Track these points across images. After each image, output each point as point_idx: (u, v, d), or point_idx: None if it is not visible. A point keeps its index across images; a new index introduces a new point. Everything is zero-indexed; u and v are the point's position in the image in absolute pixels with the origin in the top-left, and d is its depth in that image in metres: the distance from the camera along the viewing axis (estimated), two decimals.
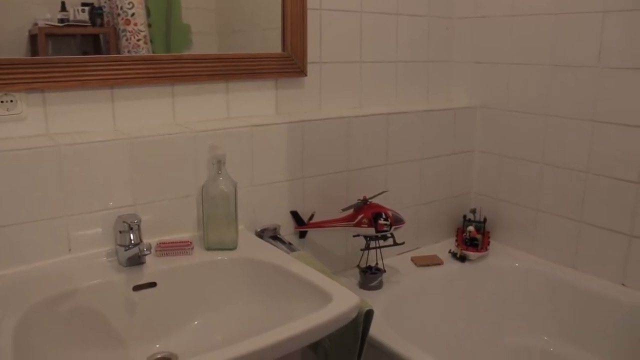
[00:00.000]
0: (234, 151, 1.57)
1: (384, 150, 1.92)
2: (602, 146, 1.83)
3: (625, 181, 1.79)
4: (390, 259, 1.99)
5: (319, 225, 1.74)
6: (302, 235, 1.76)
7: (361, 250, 1.82)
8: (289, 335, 1.07)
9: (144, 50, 1.47)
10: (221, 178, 1.46)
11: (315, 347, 1.49)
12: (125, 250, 1.33)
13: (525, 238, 2.10)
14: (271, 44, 1.69)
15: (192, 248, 1.45)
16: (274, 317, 1.24)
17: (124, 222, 1.33)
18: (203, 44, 1.58)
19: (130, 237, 1.33)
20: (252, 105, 1.69)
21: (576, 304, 1.90)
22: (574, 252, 1.95)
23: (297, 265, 1.36)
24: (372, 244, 1.79)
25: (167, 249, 1.42)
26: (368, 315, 1.35)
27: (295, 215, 1.72)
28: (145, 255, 1.33)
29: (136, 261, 1.35)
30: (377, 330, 1.53)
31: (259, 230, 1.65)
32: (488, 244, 2.11)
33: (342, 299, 1.19)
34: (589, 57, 1.83)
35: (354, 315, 1.18)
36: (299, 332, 1.09)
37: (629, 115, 1.75)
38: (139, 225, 1.34)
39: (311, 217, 1.75)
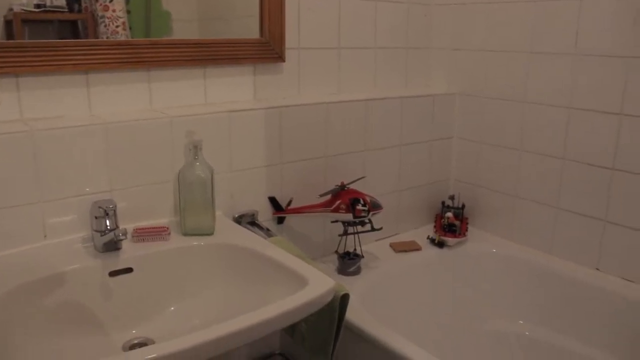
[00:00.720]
0: (212, 137, 1.57)
1: (363, 137, 1.93)
2: (578, 133, 1.85)
3: (601, 167, 1.81)
4: (369, 245, 2.00)
5: (297, 211, 1.74)
6: (280, 221, 1.76)
7: (339, 236, 1.82)
8: (264, 318, 1.08)
9: (122, 37, 1.46)
10: (198, 164, 1.46)
11: (292, 331, 1.50)
12: (101, 235, 1.33)
13: (503, 224, 2.12)
14: (251, 30, 1.69)
15: (169, 234, 1.44)
16: (250, 302, 1.24)
17: (99, 207, 1.33)
18: (183, 31, 1.57)
19: (106, 223, 1.32)
20: (230, 91, 1.68)
21: (551, 289, 1.92)
22: (551, 237, 1.98)
23: (273, 249, 1.37)
24: (350, 229, 1.80)
25: (144, 234, 1.41)
26: (344, 299, 1.36)
27: (273, 201, 1.73)
28: (121, 240, 1.33)
29: (112, 247, 1.35)
30: (354, 315, 1.54)
31: (236, 216, 1.65)
32: (466, 230, 2.13)
33: (318, 283, 1.19)
34: (566, 44, 1.84)
35: (329, 299, 1.19)
36: (274, 315, 1.09)
37: (604, 102, 1.77)
38: (114, 211, 1.33)
39: (289, 203, 1.75)
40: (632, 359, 1.74)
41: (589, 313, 1.83)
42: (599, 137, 1.80)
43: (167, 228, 1.45)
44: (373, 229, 1.80)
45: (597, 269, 1.87)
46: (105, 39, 1.43)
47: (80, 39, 1.40)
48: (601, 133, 1.79)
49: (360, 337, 1.52)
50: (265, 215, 1.73)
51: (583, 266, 1.90)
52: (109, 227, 1.32)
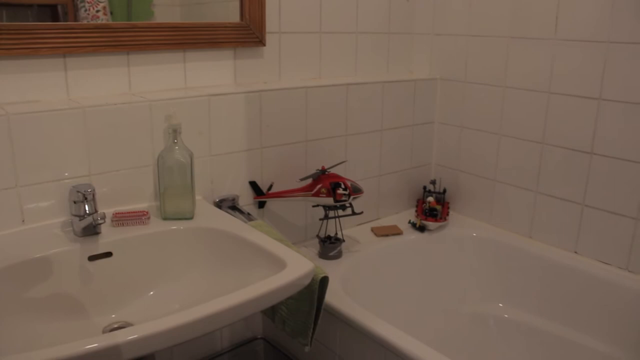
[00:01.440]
0: (191, 121, 1.56)
1: (344, 121, 1.93)
2: (557, 117, 1.86)
3: (579, 151, 1.83)
4: (351, 230, 2.01)
5: (278, 195, 1.74)
6: (261, 205, 1.76)
7: (320, 220, 1.83)
8: (241, 300, 1.08)
9: (103, 22, 1.45)
10: (177, 148, 1.45)
11: (272, 315, 1.51)
12: (80, 220, 1.32)
13: (483, 208, 2.14)
14: (232, 14, 1.68)
15: (149, 218, 1.44)
16: (230, 285, 1.24)
17: (77, 191, 1.32)
18: (165, 15, 1.57)
19: (84, 207, 1.32)
20: (210, 75, 1.68)
21: (530, 272, 1.94)
22: (530, 221, 2.00)
23: (252, 233, 1.37)
24: (331, 213, 1.80)
25: (123, 218, 1.41)
26: (323, 282, 1.36)
27: (254, 185, 1.73)
28: (100, 224, 1.32)
29: (91, 231, 1.34)
30: (335, 298, 1.55)
31: (217, 200, 1.65)
32: (447, 215, 2.14)
33: (296, 266, 1.20)
34: (546, 30, 1.85)
35: (307, 281, 1.20)
36: (252, 297, 1.10)
37: (583, 87, 1.78)
38: (93, 195, 1.33)
39: (270, 188, 1.76)
40: (610, 337, 1.77)
41: (566, 295, 1.86)
42: (578, 122, 1.81)
43: (147, 212, 1.45)
44: (354, 213, 1.80)
45: (575, 252, 1.89)
46: (82, 23, 1.42)
47: None
48: (580, 118, 1.81)
49: (341, 321, 1.54)
50: (246, 199, 1.73)
51: (561, 249, 1.92)
52: (87, 212, 1.32)
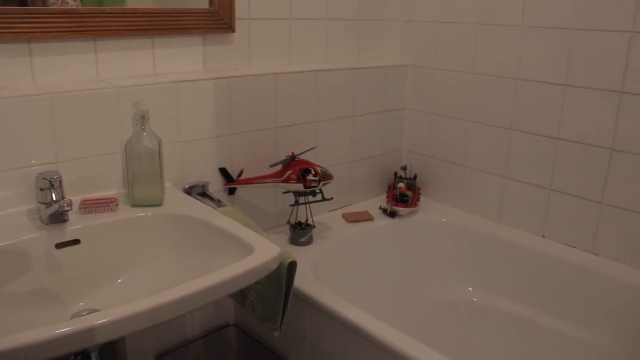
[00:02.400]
0: (160, 107, 1.56)
1: (314, 107, 1.93)
2: (525, 104, 1.89)
3: (546, 137, 1.85)
4: (322, 216, 2.02)
5: (248, 181, 1.75)
6: (232, 192, 1.76)
7: (290, 206, 1.84)
8: (207, 285, 1.09)
9: (71, 7, 1.43)
10: (145, 134, 1.45)
11: (242, 300, 1.52)
12: (47, 207, 1.31)
13: (453, 194, 2.16)
14: (202, 0, 1.67)
15: (117, 205, 1.44)
16: (198, 271, 1.24)
17: (44, 178, 1.31)
18: (137, 2, 1.55)
19: (51, 194, 1.31)
20: (179, 61, 1.67)
21: (499, 256, 1.98)
22: (499, 206, 2.02)
23: (221, 219, 1.38)
24: (301, 199, 1.81)
25: (91, 205, 1.41)
26: (291, 267, 1.37)
27: (223, 172, 1.73)
28: (67, 211, 1.32)
29: (58, 218, 1.34)
30: (305, 284, 1.57)
31: (187, 187, 1.65)
32: (418, 200, 2.16)
33: (264, 250, 1.21)
34: (513, 16, 1.87)
35: (274, 265, 1.20)
36: (219, 281, 1.11)
37: (550, 73, 1.81)
38: (60, 182, 1.32)
39: (240, 174, 1.76)
40: (579, 319, 1.80)
41: (535, 278, 1.89)
42: (544, 108, 1.84)
43: (115, 199, 1.44)
44: (324, 199, 1.81)
45: (543, 236, 1.93)
46: (47, 7, 1.40)
47: None
48: (547, 104, 1.83)
49: (311, 306, 1.55)
50: (216, 186, 1.74)
51: (529, 233, 1.95)
52: (54, 199, 1.31)
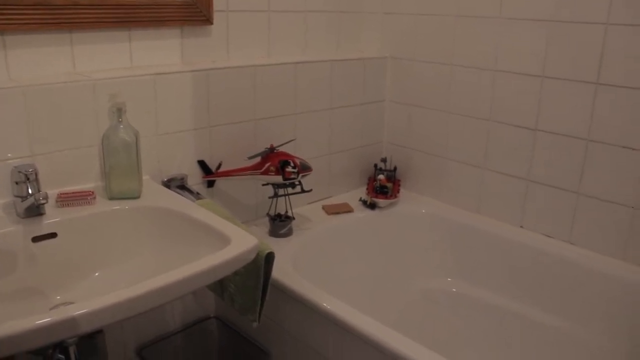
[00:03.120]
0: (137, 100, 1.55)
1: (293, 100, 1.93)
2: (503, 95, 1.90)
3: (524, 128, 1.87)
4: (302, 208, 2.02)
5: (226, 174, 1.74)
6: (211, 184, 1.76)
7: (269, 198, 1.84)
8: (186, 275, 1.09)
9: None
10: (122, 127, 1.44)
11: (222, 292, 1.52)
12: (22, 201, 1.30)
13: (433, 185, 2.17)
14: None
15: (95, 198, 1.43)
16: (175, 264, 1.25)
17: (19, 172, 1.30)
18: None
19: (27, 188, 1.30)
20: (156, 54, 1.66)
21: (478, 246, 1.99)
22: (478, 197, 2.04)
23: (198, 211, 1.38)
24: (281, 191, 1.81)
25: (68, 199, 1.40)
26: (269, 258, 1.38)
27: (202, 164, 1.72)
28: (43, 204, 1.31)
29: (35, 212, 1.33)
30: (284, 275, 1.57)
31: (165, 180, 1.65)
32: (398, 192, 2.17)
33: (241, 241, 1.21)
34: (491, 8, 1.88)
35: (252, 256, 1.21)
36: (196, 271, 1.11)
37: (527, 65, 1.82)
38: (36, 175, 1.31)
39: (219, 167, 1.76)
40: (556, 308, 1.82)
41: (513, 268, 1.91)
42: (523, 100, 1.85)
43: (93, 192, 1.44)
44: (303, 191, 1.82)
45: (521, 226, 1.94)
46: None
47: None
48: (525, 95, 1.85)
49: (291, 297, 1.55)
50: (195, 179, 1.73)
51: (508, 224, 1.97)
52: (30, 192, 1.30)
